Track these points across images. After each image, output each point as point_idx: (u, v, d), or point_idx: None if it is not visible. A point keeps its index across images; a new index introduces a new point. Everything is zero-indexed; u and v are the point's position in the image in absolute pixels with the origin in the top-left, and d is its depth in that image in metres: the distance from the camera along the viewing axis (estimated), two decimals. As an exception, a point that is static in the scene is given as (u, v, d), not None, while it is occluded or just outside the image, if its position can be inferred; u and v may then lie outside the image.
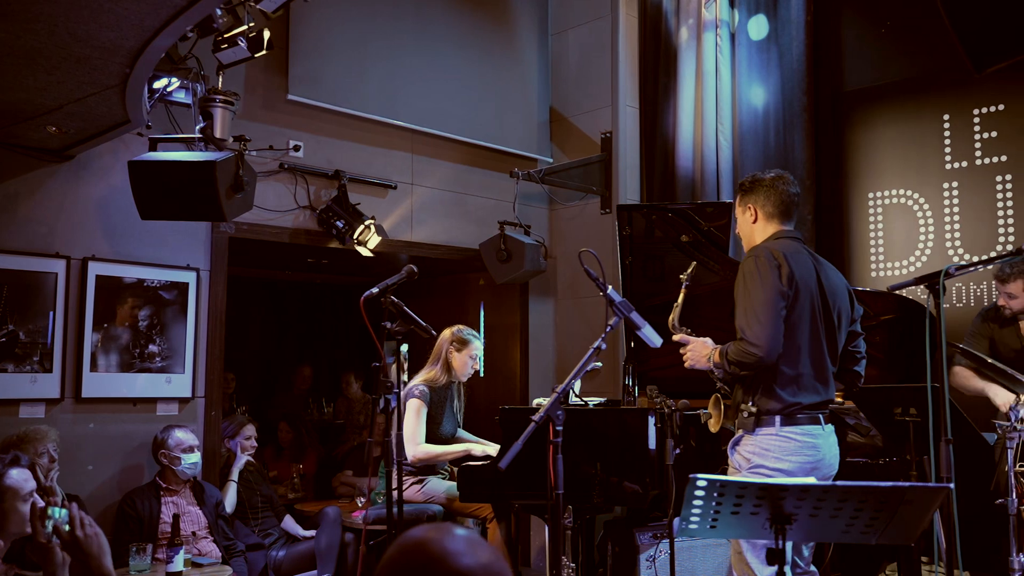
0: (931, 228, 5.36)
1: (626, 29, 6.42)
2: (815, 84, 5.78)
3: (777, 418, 3.10)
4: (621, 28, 6.38)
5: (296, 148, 5.25)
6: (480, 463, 4.36)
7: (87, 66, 3.26)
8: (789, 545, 3.14)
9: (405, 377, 8.83)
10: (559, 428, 2.66)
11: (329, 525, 5.17)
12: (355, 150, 5.61)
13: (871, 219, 5.61)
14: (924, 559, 4.52)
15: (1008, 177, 5.09)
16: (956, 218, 5.28)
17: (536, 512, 4.38)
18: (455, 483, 4.72)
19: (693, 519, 2.45)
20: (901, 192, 5.50)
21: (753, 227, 3.37)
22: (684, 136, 6.21)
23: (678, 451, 3.87)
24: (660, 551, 4.15)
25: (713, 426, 3.40)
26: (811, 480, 2.50)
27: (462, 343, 4.87)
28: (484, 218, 6.23)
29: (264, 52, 3.70)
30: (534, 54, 6.58)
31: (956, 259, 5.25)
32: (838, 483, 2.31)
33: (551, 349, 6.64)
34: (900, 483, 2.26)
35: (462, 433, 5.05)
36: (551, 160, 6.58)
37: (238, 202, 4.06)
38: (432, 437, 4.78)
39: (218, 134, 3.74)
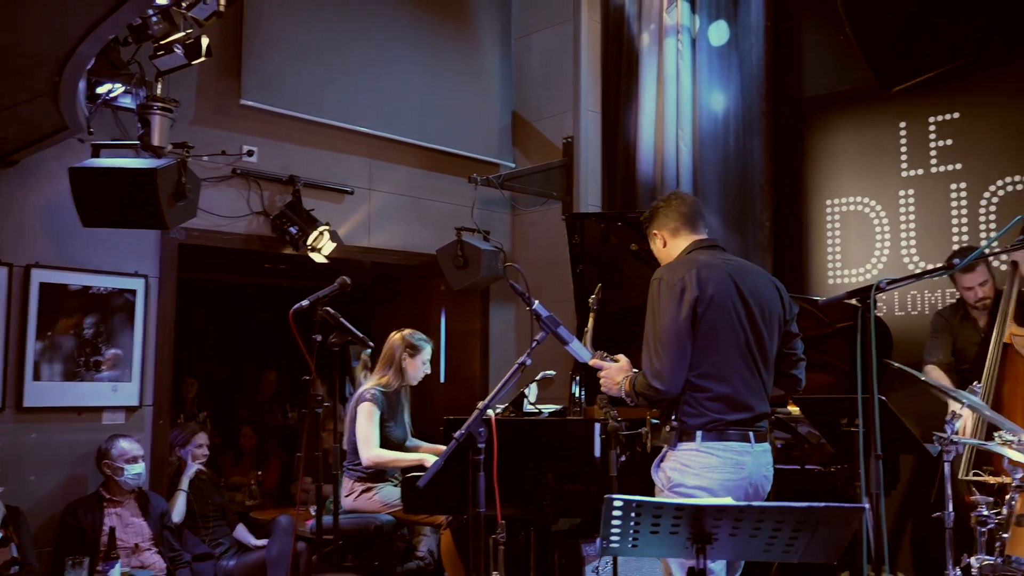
0: (887, 235, 5.36)
1: (589, 34, 6.39)
2: (774, 90, 5.77)
3: (699, 433, 2.99)
4: (584, 33, 6.35)
5: (249, 153, 5.21)
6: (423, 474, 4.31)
7: (17, 74, 3.22)
8: (722, 564, 3.10)
9: (362, 378, 8.83)
10: (481, 446, 2.62)
11: (281, 534, 5.12)
12: (311, 155, 5.56)
13: (828, 226, 5.60)
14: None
15: (962, 185, 5.08)
16: (912, 226, 5.27)
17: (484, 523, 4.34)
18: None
19: (614, 538, 2.42)
20: (858, 199, 5.50)
21: (667, 250, 3.31)
22: (645, 141, 6.18)
23: (623, 458, 3.84)
24: (606, 562, 4.12)
25: (649, 445, 3.37)
26: (727, 500, 2.47)
27: (414, 349, 4.84)
28: (444, 223, 6.18)
29: (203, 59, 3.65)
30: (496, 58, 6.55)
31: (912, 267, 5.25)
32: (754, 503, 2.29)
33: (512, 354, 6.60)
34: (815, 504, 2.24)
35: (412, 440, 5.01)
36: (513, 165, 6.55)
37: (180, 209, 4.01)
38: (384, 442, 4.74)
39: (155, 141, 3.69)
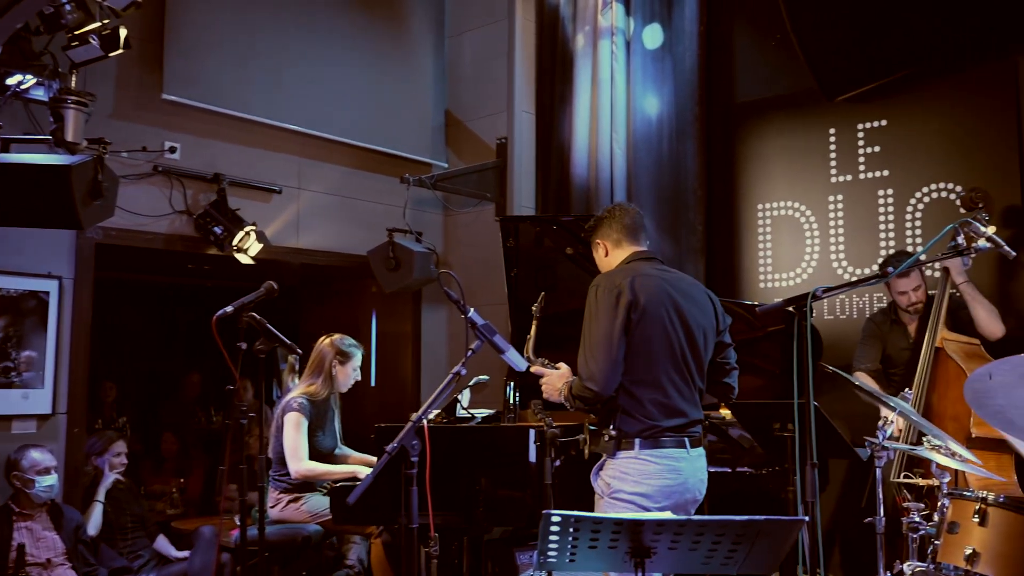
0: (817, 240, 5.42)
1: (523, 34, 6.34)
2: (707, 95, 5.79)
3: (637, 441, 3.04)
4: (518, 33, 6.30)
5: (172, 149, 5.01)
6: (352, 484, 4.20)
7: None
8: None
9: (290, 382, 8.62)
10: (414, 459, 2.53)
11: (204, 545, 4.94)
12: (237, 152, 5.38)
13: (760, 230, 5.65)
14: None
15: (890, 191, 5.17)
16: (840, 230, 5.35)
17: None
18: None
19: (552, 553, 2.36)
20: (789, 204, 5.55)
21: (608, 260, 3.37)
22: (579, 144, 6.15)
23: (557, 463, 3.79)
24: (541, 572, 4.05)
25: (587, 451, 3.37)
26: (667, 514, 2.43)
27: (345, 356, 4.70)
28: (375, 224, 6.05)
29: (120, 51, 3.47)
30: (429, 57, 6.44)
31: (840, 271, 5.32)
32: (694, 517, 2.26)
33: (444, 357, 6.51)
34: (755, 517, 2.21)
35: (342, 448, 4.88)
36: (446, 165, 6.45)
37: (97, 208, 3.81)
38: (312, 452, 4.59)
39: (69, 137, 3.50)
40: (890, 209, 5.18)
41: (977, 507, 2.60)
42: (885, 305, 4.78)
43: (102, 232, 4.74)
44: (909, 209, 5.11)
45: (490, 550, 4.15)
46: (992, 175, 4.80)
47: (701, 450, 3.17)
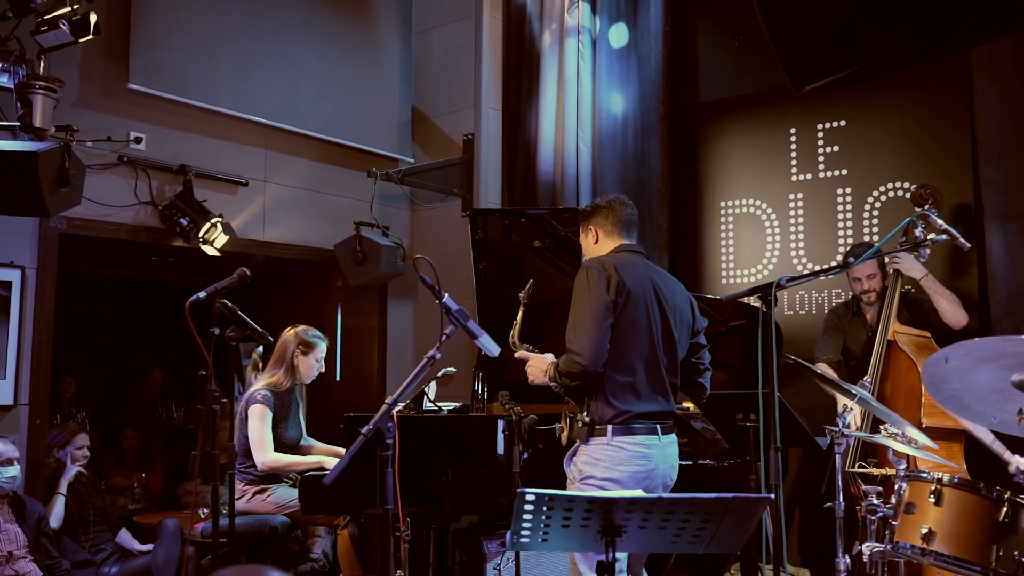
0: (777, 237, 5.54)
1: (490, 31, 6.38)
2: (672, 94, 5.88)
3: (609, 427, 3.10)
4: (485, 30, 6.34)
5: (137, 140, 4.97)
6: (323, 473, 4.21)
7: None
8: (625, 556, 3.16)
9: (252, 378, 8.57)
10: (389, 441, 2.56)
11: (168, 538, 4.91)
12: (203, 144, 5.35)
13: (722, 227, 5.75)
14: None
15: (848, 190, 5.30)
16: (800, 228, 5.47)
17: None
18: (305, 491, 4.56)
19: (524, 533, 2.41)
20: (750, 202, 5.67)
21: (596, 247, 3.43)
22: (545, 140, 6.21)
23: (526, 455, 3.83)
24: (508, 559, 4.11)
25: (564, 439, 3.41)
26: (638, 492, 2.49)
27: (308, 346, 4.70)
28: (342, 218, 6.06)
29: (90, 37, 3.45)
30: (397, 52, 6.46)
31: (800, 267, 5.45)
32: (664, 495, 2.32)
33: (410, 352, 6.53)
34: (724, 495, 2.28)
35: (307, 439, 4.88)
36: (412, 160, 6.47)
37: (64, 196, 3.78)
38: (277, 443, 4.59)
39: (38, 123, 3.47)
40: (848, 207, 5.31)
41: (933, 488, 2.70)
42: (848, 299, 4.90)
43: (66, 221, 4.69)
44: (867, 207, 5.24)
45: (457, 539, 4.18)
46: (946, 174, 4.95)
47: (673, 437, 3.25)
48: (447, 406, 4.97)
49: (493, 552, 4.08)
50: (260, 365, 8.48)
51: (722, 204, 5.76)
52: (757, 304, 4.71)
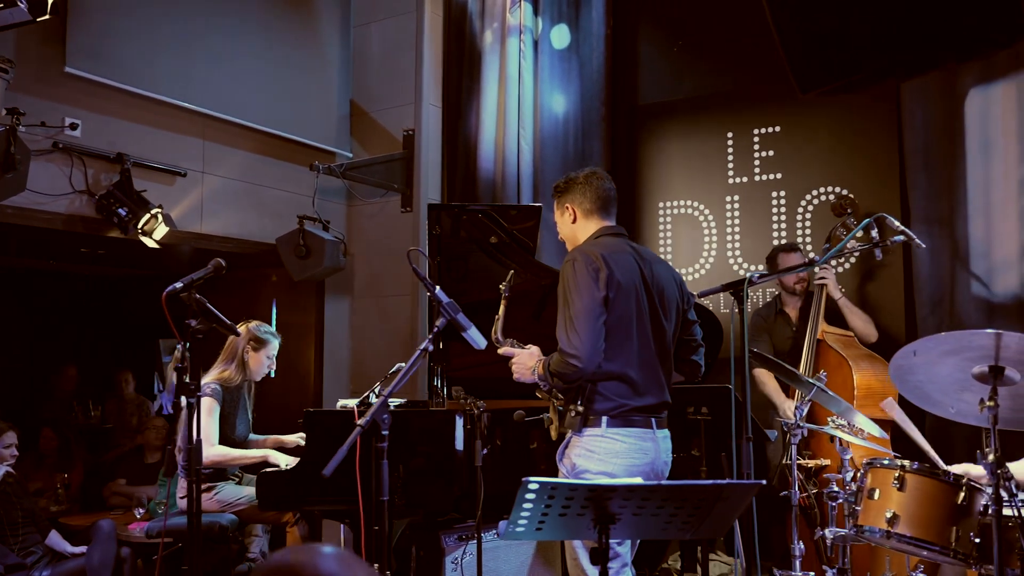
0: (714, 237, 5.72)
1: (431, 26, 6.38)
2: (613, 95, 6.00)
3: (604, 419, 3.01)
4: (427, 25, 6.34)
5: (73, 126, 4.78)
6: (281, 469, 4.15)
7: None
8: (627, 549, 3.16)
9: (187, 377, 8.32)
10: (385, 433, 2.56)
11: (103, 540, 4.76)
12: (141, 132, 5.18)
13: (660, 227, 5.90)
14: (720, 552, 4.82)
15: (782, 193, 5.52)
16: (736, 228, 5.66)
17: (338, 518, 4.23)
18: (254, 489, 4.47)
19: (522, 521, 2.44)
20: (688, 203, 5.83)
21: (574, 227, 3.28)
22: (486, 138, 6.24)
23: (485, 451, 3.86)
24: (466, 553, 4.13)
25: (553, 432, 3.30)
26: (638, 480, 2.56)
27: (260, 342, 4.62)
28: (280, 211, 5.96)
29: (47, 16, 3.32)
30: (336, 45, 6.38)
31: (736, 267, 5.64)
32: (663, 483, 2.39)
33: (346, 349, 6.47)
34: (719, 481, 2.36)
35: (254, 437, 4.78)
36: (350, 155, 6.41)
37: (8, 182, 3.63)
38: (224, 439, 4.48)
39: (-11, 105, 3.31)
40: (782, 210, 5.53)
41: (897, 474, 2.85)
42: (770, 299, 5.13)
43: (-3, 210, 4.47)
44: (800, 210, 5.47)
45: (415, 533, 4.18)
46: (875, 180, 5.23)
47: (667, 431, 3.17)
48: (393, 402, 4.95)
49: (451, 546, 4.09)
50: (181, 362, 8.24)
51: (661, 204, 5.91)
52: (705, 303, 4.90)
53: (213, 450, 4.32)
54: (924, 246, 3.14)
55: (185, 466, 4.50)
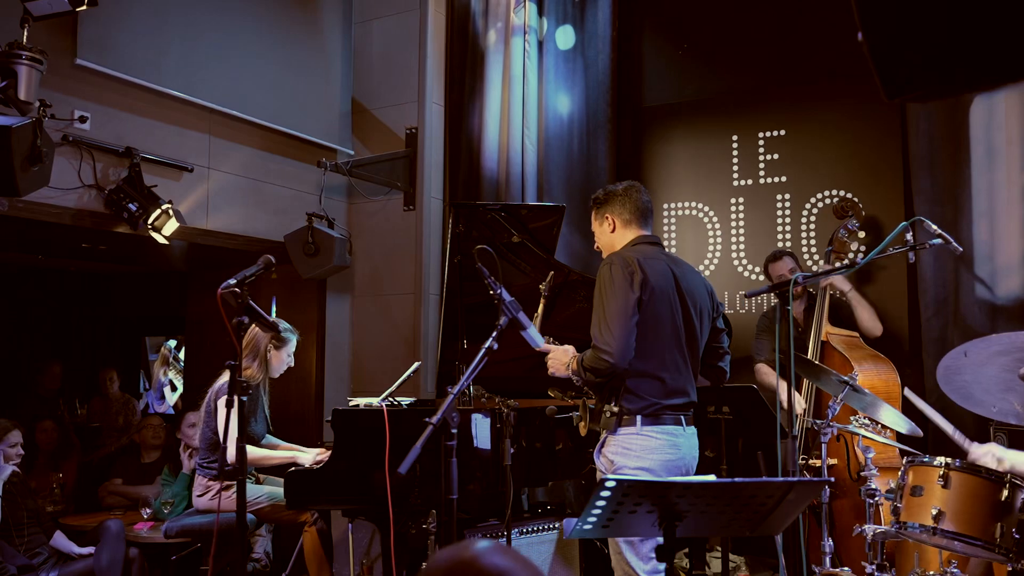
0: (719, 239, 5.79)
1: (434, 25, 6.38)
2: (618, 97, 6.04)
3: (638, 417, 3.16)
4: (430, 24, 6.33)
5: (83, 119, 4.69)
6: (310, 468, 4.11)
7: None
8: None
9: (172, 375, 8.23)
10: (454, 431, 2.56)
11: (111, 540, 4.69)
12: (148, 127, 5.10)
13: (665, 228, 5.96)
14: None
15: (787, 196, 5.60)
16: (741, 230, 5.73)
17: (368, 517, 4.21)
18: (276, 488, 4.43)
19: (591, 519, 2.45)
20: (693, 204, 5.89)
21: (613, 236, 3.45)
22: (490, 137, 6.25)
23: (513, 450, 3.88)
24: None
25: (582, 429, 3.47)
26: (711, 477, 2.59)
27: (281, 340, 4.58)
28: (283, 208, 5.91)
29: (85, 7, 3.25)
30: (338, 41, 6.33)
31: (740, 269, 5.71)
32: (737, 479, 2.41)
33: (347, 348, 6.43)
34: (790, 479, 2.40)
35: (269, 438, 4.74)
36: (352, 152, 6.37)
37: (34, 176, 3.56)
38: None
39: (23, 96, 3.24)
40: (787, 212, 5.61)
41: (941, 472, 2.92)
42: (774, 303, 5.21)
43: (7, 203, 4.37)
44: (804, 213, 5.55)
45: (438, 532, 4.16)
46: (879, 183, 5.32)
47: (694, 428, 3.34)
48: (404, 400, 4.94)
49: (476, 545, 4.08)
50: (170, 359, 8.14)
51: (665, 206, 5.96)
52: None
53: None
54: (961, 250, 3.21)
55: (206, 463, 4.47)
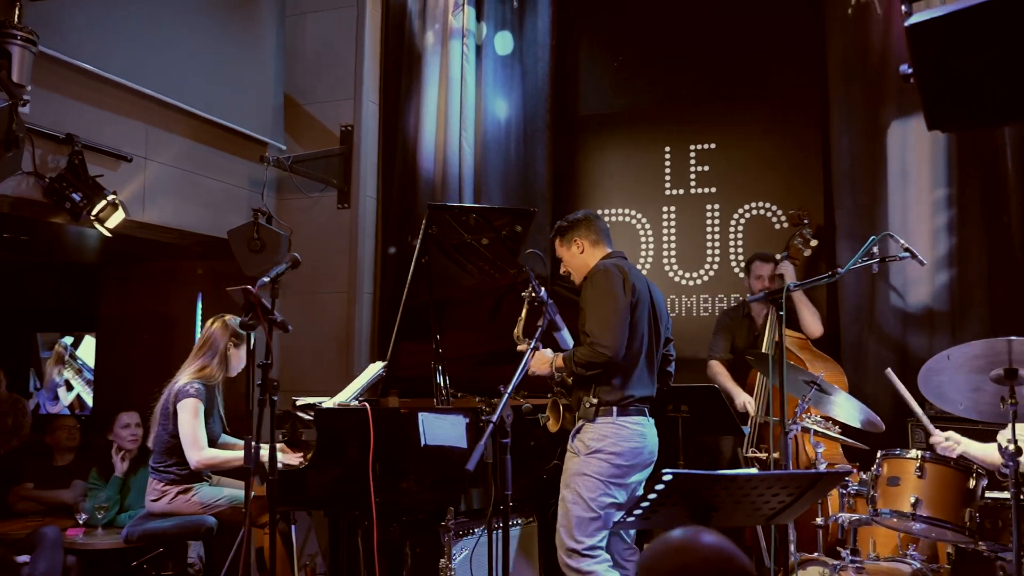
0: (651, 245, 6.05)
1: (371, 22, 6.35)
2: (556, 105, 6.20)
3: (614, 408, 3.55)
4: (368, 21, 6.30)
5: (24, 102, 4.42)
6: (296, 468, 4.04)
7: None
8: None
9: (68, 374, 7.79)
10: (508, 429, 2.63)
11: (48, 547, 4.45)
12: (87, 113, 4.85)
13: (599, 233, 6.15)
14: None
15: (716, 206, 5.92)
16: (672, 238, 6.01)
17: (349, 518, 4.18)
18: (235, 491, 4.32)
19: (638, 512, 2.59)
20: (626, 211, 6.13)
21: (584, 256, 3.83)
22: (427, 138, 6.28)
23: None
24: (463, 549, 4.18)
25: (552, 427, 3.67)
26: (753, 470, 2.77)
27: (241, 337, 4.47)
28: (214, 202, 5.74)
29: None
30: (272, 33, 6.19)
31: (672, 275, 5.99)
32: (775, 471, 2.61)
33: (276, 347, 6.28)
34: (820, 471, 2.62)
35: (225, 437, 4.62)
36: (284, 147, 6.25)
37: (8, 161, 3.36)
38: (200, 439, 4.30)
39: (16, 78, 3.07)
40: (716, 222, 5.93)
41: (918, 463, 3.23)
42: (737, 304, 5.50)
43: (-56, 190, 4.09)
44: (732, 223, 5.89)
45: (410, 532, 4.18)
46: (803, 197, 5.68)
47: (653, 420, 3.74)
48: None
49: (450, 543, 4.13)
50: (65, 358, 7.74)
51: (600, 212, 6.15)
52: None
53: (205, 455, 4.16)
54: (925, 263, 3.53)
55: (162, 467, 4.29)
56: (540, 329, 2.92)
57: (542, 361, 3.61)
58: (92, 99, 4.88)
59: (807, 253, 5.33)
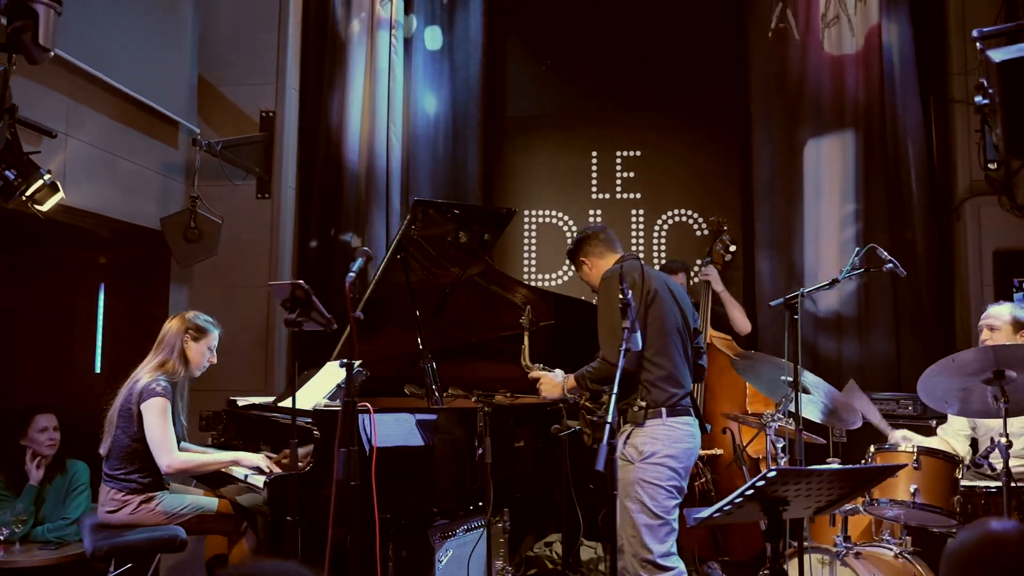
0: (577, 247, 6.18)
1: (294, 4, 6.09)
2: (486, 103, 6.21)
3: (663, 410, 3.50)
4: (291, 3, 6.03)
5: None
6: (301, 472, 3.79)
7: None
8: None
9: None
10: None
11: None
12: (14, 84, 4.35)
13: (525, 234, 6.24)
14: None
15: (641, 212, 6.15)
16: (598, 241, 6.17)
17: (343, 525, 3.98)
18: (200, 498, 4.03)
19: (727, 507, 2.69)
20: (553, 213, 6.24)
21: (593, 272, 3.86)
22: (352, 130, 6.11)
23: (480, 451, 3.93)
24: (448, 549, 4.12)
25: (588, 440, 3.69)
26: (835, 465, 2.92)
27: (200, 331, 4.15)
28: (132, 187, 5.31)
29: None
30: (189, 11, 5.79)
31: (597, 276, 6.15)
32: (849, 467, 2.78)
33: (185, 342, 5.89)
34: (882, 464, 2.82)
35: (185, 445, 4.27)
36: (198, 130, 5.85)
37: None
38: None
39: (42, 40, 2.72)
40: (641, 227, 6.16)
41: (915, 456, 3.54)
42: None
43: None
44: (656, 229, 6.14)
45: (394, 535, 4.05)
46: (724, 206, 6.03)
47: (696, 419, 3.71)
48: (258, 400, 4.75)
49: (438, 544, 4.06)
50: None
51: (527, 212, 6.24)
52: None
53: (177, 458, 3.85)
54: (905, 273, 3.85)
55: (121, 475, 3.94)
56: (626, 331, 2.91)
57: (553, 385, 3.67)
58: (20, 68, 4.38)
59: (728, 258, 5.66)
